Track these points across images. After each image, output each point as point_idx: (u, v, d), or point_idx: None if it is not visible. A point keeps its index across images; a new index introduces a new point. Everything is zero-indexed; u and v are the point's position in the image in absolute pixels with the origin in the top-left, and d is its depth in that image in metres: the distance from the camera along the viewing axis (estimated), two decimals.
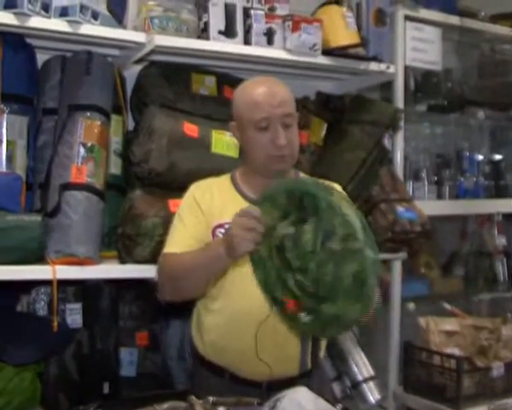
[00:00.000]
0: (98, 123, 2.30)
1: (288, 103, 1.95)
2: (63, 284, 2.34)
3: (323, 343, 2.07)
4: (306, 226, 1.60)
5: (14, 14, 2.11)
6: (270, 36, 2.58)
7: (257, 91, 1.95)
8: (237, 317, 1.92)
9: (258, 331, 1.87)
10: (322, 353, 2.07)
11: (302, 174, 2.13)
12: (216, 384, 1.96)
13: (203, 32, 2.49)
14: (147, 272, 2.25)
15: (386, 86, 3.04)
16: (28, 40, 2.41)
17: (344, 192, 2.12)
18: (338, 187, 2.12)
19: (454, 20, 3.19)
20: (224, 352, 1.97)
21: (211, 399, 1.70)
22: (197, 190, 2.03)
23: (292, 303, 1.65)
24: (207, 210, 1.97)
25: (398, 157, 2.98)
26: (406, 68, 3.01)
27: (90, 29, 2.25)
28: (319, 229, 1.58)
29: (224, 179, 2.06)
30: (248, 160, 2.01)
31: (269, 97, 1.92)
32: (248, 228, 1.65)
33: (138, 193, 2.34)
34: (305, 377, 1.98)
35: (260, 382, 1.94)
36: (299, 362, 1.97)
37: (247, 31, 2.54)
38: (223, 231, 1.91)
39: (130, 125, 2.62)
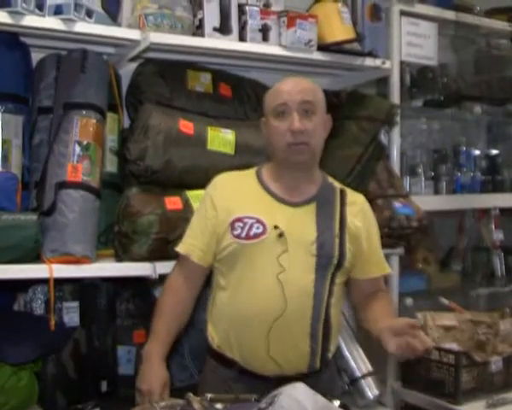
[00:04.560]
0: (94, 121, 2.30)
1: (309, 92, 1.97)
2: (60, 282, 2.34)
3: (334, 343, 2.06)
4: None
5: (8, 12, 2.10)
6: (265, 32, 2.58)
7: (282, 83, 2.02)
8: (247, 315, 1.91)
9: (270, 331, 1.88)
10: (331, 353, 2.05)
11: (331, 180, 2.12)
12: (224, 376, 1.98)
13: (198, 29, 2.49)
14: (143, 269, 2.26)
15: (382, 82, 3.03)
16: (23, 39, 2.39)
17: None
18: None
19: (449, 14, 3.19)
20: (233, 346, 1.97)
21: (208, 396, 1.70)
22: (216, 184, 2.07)
23: None
24: (223, 205, 1.99)
25: (395, 153, 2.97)
26: (402, 64, 3.01)
27: (84, 27, 2.24)
28: None
29: (249, 174, 2.08)
30: (272, 152, 2.03)
31: (290, 86, 1.98)
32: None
33: (134, 191, 2.34)
34: (314, 375, 1.98)
35: (270, 376, 1.94)
36: (307, 362, 1.97)
37: (242, 27, 2.54)
38: (241, 225, 1.93)
39: (126, 122, 2.62)
